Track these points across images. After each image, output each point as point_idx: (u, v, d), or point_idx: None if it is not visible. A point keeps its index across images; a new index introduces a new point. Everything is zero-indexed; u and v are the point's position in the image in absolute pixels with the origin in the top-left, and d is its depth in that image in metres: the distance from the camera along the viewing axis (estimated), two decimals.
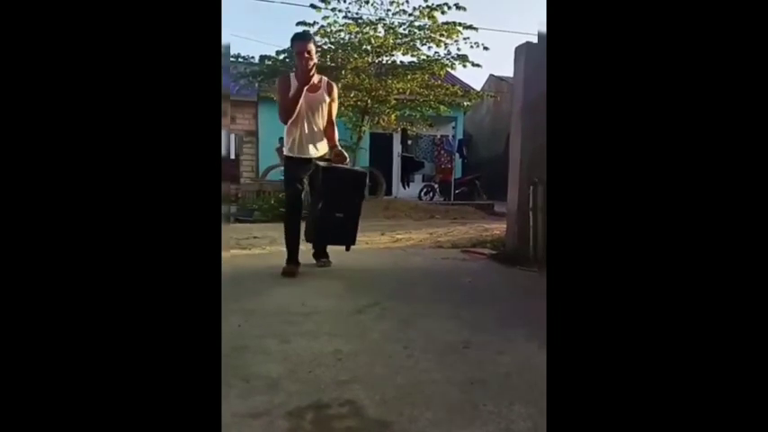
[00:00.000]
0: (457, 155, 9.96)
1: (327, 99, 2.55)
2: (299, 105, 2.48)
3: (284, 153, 2.64)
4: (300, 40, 2.49)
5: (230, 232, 4.26)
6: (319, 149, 2.60)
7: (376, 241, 4.13)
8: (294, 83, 2.48)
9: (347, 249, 2.74)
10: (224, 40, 0.73)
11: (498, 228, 4.27)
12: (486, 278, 2.66)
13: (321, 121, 2.57)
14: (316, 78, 2.54)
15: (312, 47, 2.47)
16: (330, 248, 2.81)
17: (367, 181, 2.70)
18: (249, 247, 3.56)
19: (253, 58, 7.04)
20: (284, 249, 2.61)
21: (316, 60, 2.50)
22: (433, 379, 1.25)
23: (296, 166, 2.56)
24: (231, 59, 6.97)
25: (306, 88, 2.48)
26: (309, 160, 2.57)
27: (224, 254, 3.23)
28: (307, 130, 2.53)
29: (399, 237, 4.43)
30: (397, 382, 1.23)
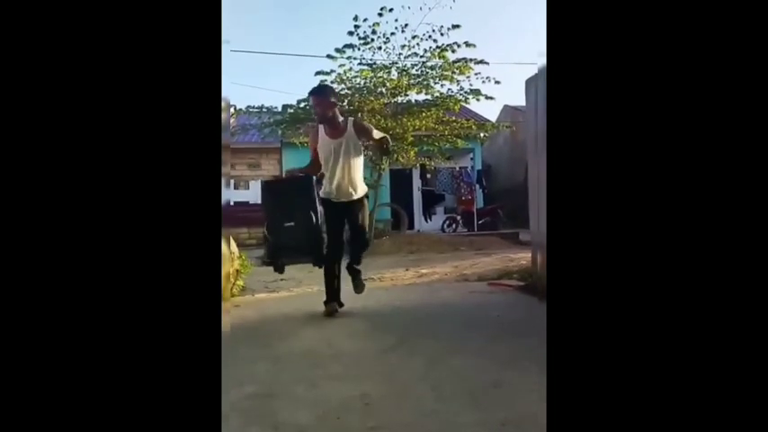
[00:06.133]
0: (477, 186, 9.96)
1: (355, 136, 2.54)
2: (322, 152, 2.57)
3: (320, 196, 2.64)
4: (314, 95, 2.61)
5: (258, 275, 4.33)
6: (357, 191, 2.59)
7: (400, 277, 4.11)
8: (322, 133, 2.57)
9: (318, 266, 2.53)
10: (227, 92, 0.79)
11: (524, 257, 4.19)
12: (515, 311, 2.59)
13: (353, 163, 2.56)
14: (339, 122, 2.55)
15: (327, 101, 2.53)
16: (348, 283, 2.79)
17: (313, 184, 2.51)
18: (277, 290, 3.61)
19: (276, 107, 7.43)
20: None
21: (335, 111, 2.56)
22: (464, 422, 1.22)
23: (331, 208, 2.59)
24: (255, 110, 7.38)
25: (327, 135, 2.55)
26: (345, 203, 2.58)
27: (251, 297, 3.31)
28: (336, 174, 2.54)
29: (424, 271, 4.40)
30: (427, 426, 1.21)
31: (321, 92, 2.69)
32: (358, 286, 2.71)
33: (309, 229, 2.44)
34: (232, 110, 9.67)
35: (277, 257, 2.57)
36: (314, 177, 2.57)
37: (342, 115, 2.66)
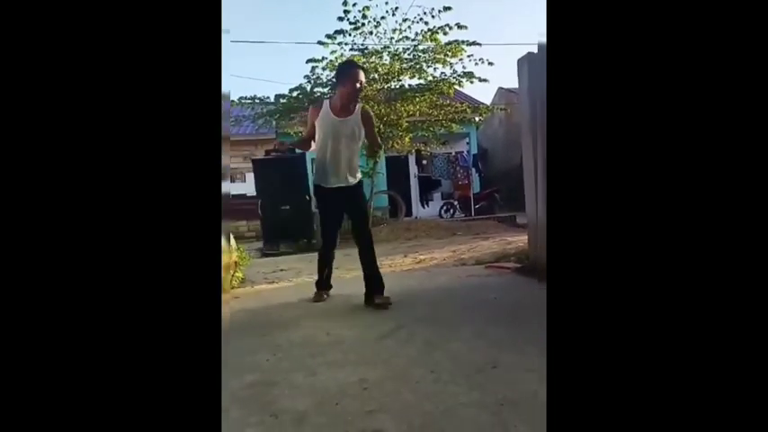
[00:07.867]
0: (473, 170, 9.93)
1: (360, 122, 2.43)
2: (321, 130, 2.42)
3: (313, 182, 2.56)
4: (355, 68, 2.44)
5: (257, 266, 4.34)
6: (355, 176, 2.48)
7: (399, 263, 4.12)
8: (327, 109, 2.42)
9: (307, 241, 2.54)
10: (226, 86, 0.78)
11: (521, 240, 4.20)
12: (512, 293, 2.60)
13: (354, 147, 2.44)
14: (351, 104, 2.42)
15: (360, 78, 2.38)
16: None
17: (306, 167, 2.48)
18: (276, 281, 3.62)
19: (268, 98, 7.33)
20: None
21: (357, 91, 2.41)
22: (462, 402, 1.23)
23: (323, 195, 2.51)
24: (248, 101, 7.28)
25: (333, 113, 2.40)
26: (343, 188, 2.46)
27: (250, 288, 3.32)
28: (331, 156, 2.41)
29: (422, 257, 4.41)
30: (425, 408, 1.22)
31: (355, 67, 2.52)
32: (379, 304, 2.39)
33: (303, 210, 2.46)
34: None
35: (271, 238, 2.59)
36: (304, 158, 2.51)
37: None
